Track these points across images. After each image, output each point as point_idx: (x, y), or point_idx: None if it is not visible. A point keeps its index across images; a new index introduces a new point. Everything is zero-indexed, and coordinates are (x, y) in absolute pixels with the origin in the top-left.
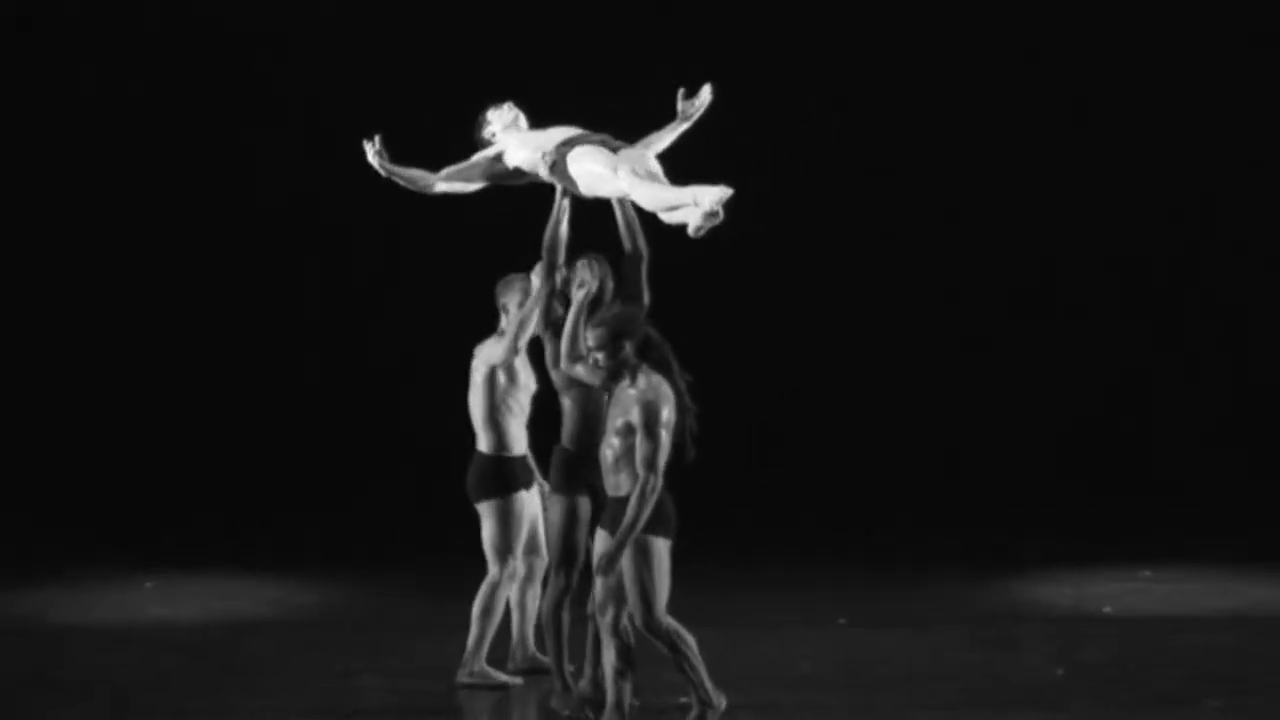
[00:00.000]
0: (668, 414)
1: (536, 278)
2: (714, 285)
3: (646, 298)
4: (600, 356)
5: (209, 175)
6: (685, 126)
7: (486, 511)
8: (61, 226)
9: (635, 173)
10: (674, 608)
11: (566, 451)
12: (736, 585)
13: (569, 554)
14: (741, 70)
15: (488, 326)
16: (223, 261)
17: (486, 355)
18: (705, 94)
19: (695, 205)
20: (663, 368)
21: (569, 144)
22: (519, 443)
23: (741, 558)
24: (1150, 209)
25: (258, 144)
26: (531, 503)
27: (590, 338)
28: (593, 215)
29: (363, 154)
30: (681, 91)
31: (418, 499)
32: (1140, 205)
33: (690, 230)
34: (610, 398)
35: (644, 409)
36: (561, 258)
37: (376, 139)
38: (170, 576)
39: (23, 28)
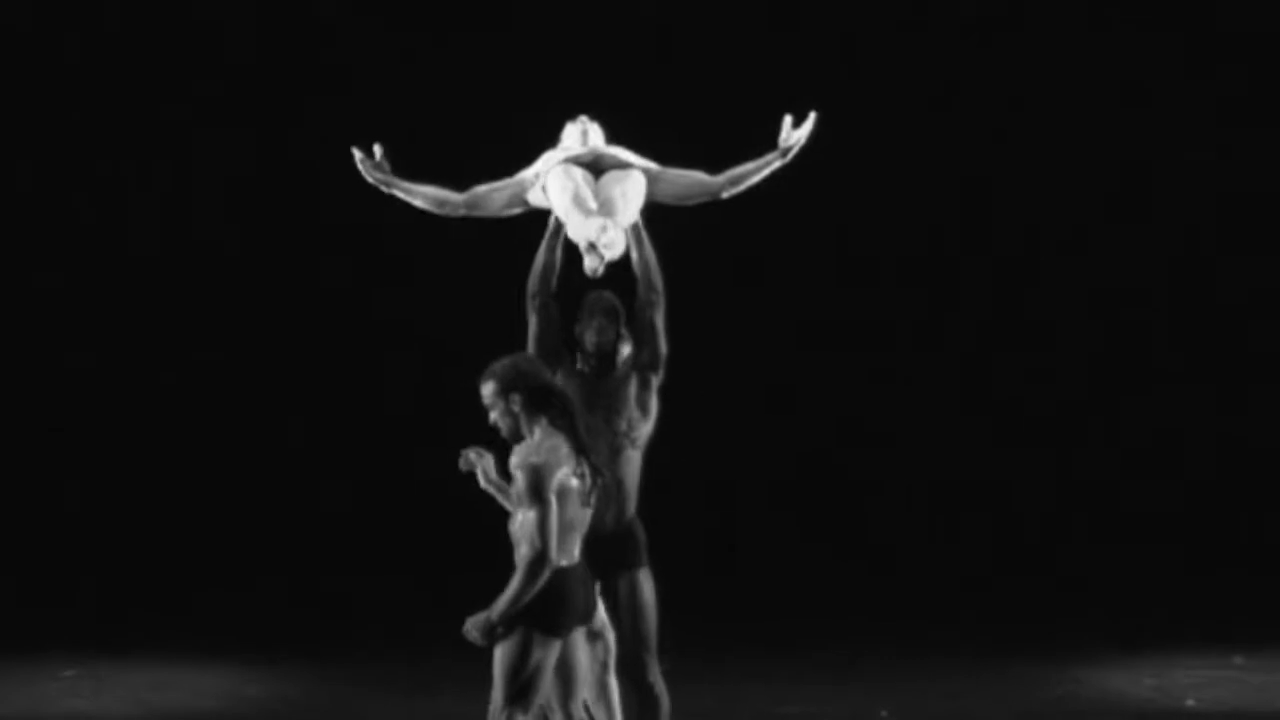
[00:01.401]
0: (562, 477)
1: None
2: (731, 320)
3: (664, 346)
4: (494, 414)
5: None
6: (781, 162)
7: None
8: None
9: (578, 198)
10: (710, 702)
11: None
12: (776, 676)
13: None
14: (741, 71)
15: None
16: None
17: None
18: (809, 124)
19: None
20: (564, 424)
21: (566, 163)
22: None
23: (782, 645)
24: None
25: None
26: None
27: (482, 391)
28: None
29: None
30: (788, 120)
31: (377, 577)
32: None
33: (586, 268)
34: None
35: (528, 473)
36: (552, 286)
37: (376, 149)
38: (93, 663)
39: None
